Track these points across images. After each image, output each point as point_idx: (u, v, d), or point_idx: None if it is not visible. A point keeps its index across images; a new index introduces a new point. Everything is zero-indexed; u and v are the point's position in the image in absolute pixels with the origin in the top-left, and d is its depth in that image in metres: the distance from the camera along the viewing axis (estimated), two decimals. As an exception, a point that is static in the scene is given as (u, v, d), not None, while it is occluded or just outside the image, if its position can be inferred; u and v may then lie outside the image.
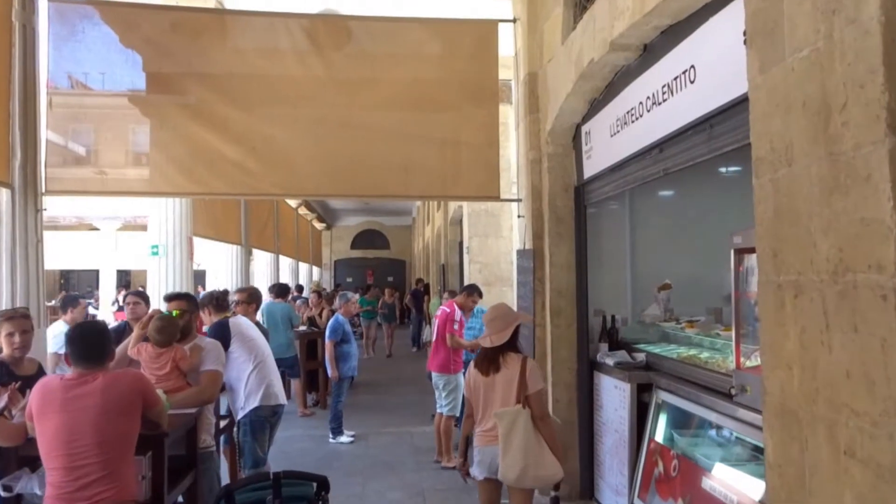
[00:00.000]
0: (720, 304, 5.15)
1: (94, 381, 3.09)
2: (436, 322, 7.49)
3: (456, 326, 7.07)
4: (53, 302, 28.94)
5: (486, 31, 6.05)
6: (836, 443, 1.79)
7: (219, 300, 5.20)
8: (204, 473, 4.11)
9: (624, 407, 4.65)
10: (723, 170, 5.46)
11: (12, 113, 5.05)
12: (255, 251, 16.38)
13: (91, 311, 27.74)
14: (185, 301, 4.44)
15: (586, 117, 5.04)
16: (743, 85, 2.85)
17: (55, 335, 6.70)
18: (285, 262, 20.50)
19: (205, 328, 5.18)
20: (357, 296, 18.05)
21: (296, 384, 10.29)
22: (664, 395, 4.30)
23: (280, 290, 10.60)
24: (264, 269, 17.25)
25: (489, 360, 4.19)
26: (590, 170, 5.05)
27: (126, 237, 23.37)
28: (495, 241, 10.81)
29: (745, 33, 2.48)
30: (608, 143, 4.58)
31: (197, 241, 11.81)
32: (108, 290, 22.96)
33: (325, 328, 9.55)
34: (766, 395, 2.14)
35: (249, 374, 4.90)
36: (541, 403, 4.16)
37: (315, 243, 27.63)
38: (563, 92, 4.84)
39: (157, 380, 4.05)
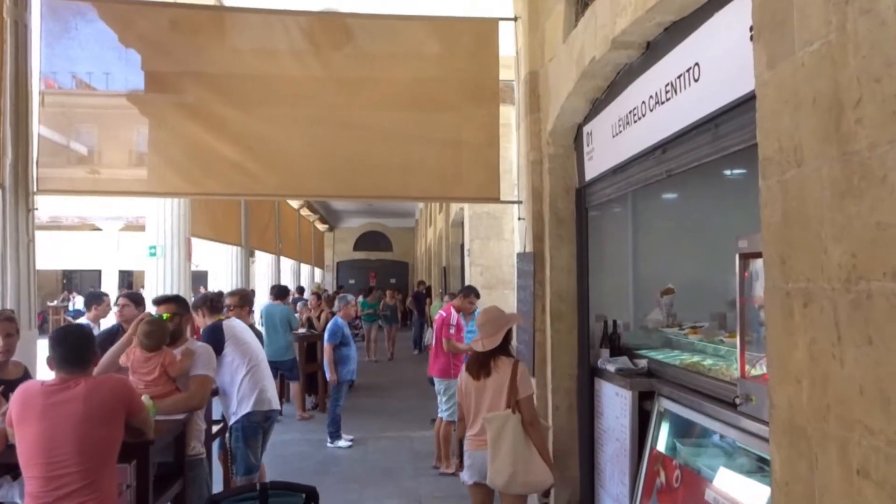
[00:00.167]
0: (724, 310, 5.05)
1: (77, 386, 2.99)
2: (434, 327, 7.40)
3: (452, 331, 6.96)
4: (55, 302, 29.10)
5: (486, 29, 5.94)
6: (849, 462, 1.67)
7: (213, 302, 5.11)
8: (193, 481, 4.01)
9: (625, 415, 4.53)
10: (727, 172, 5.37)
11: (3, 111, 4.98)
12: (257, 252, 16.32)
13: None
14: (175, 304, 4.33)
15: (588, 117, 4.93)
16: (749, 82, 2.73)
17: None
18: (287, 263, 20.43)
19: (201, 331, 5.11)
20: (360, 298, 18.08)
21: (294, 387, 10.20)
22: (666, 403, 4.17)
23: (279, 292, 10.51)
24: (265, 271, 17.19)
25: (480, 364, 4.16)
26: (591, 171, 4.93)
27: (128, 237, 23.33)
28: (497, 244, 10.70)
29: (751, 28, 2.37)
30: (610, 144, 4.47)
31: (198, 241, 11.76)
32: (109, 290, 22.82)
33: (322, 331, 9.45)
34: (772, 409, 2.03)
35: (242, 378, 4.80)
36: (531, 408, 4.11)
37: (317, 245, 27.56)
38: (565, 91, 4.73)
39: (145, 385, 3.96)
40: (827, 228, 1.76)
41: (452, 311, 7.09)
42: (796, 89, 1.90)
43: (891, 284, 1.52)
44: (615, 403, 4.70)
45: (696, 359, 4.29)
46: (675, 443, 4.07)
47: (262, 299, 13.14)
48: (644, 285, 5.45)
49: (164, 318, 4.15)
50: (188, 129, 5.73)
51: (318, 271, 29.95)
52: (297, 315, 11.42)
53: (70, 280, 34.48)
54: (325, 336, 8.69)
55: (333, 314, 9.33)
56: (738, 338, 3.31)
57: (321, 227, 28.95)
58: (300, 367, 10.26)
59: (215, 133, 5.72)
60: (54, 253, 27.49)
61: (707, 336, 4.43)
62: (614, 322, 5.14)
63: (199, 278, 22.83)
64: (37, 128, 5.35)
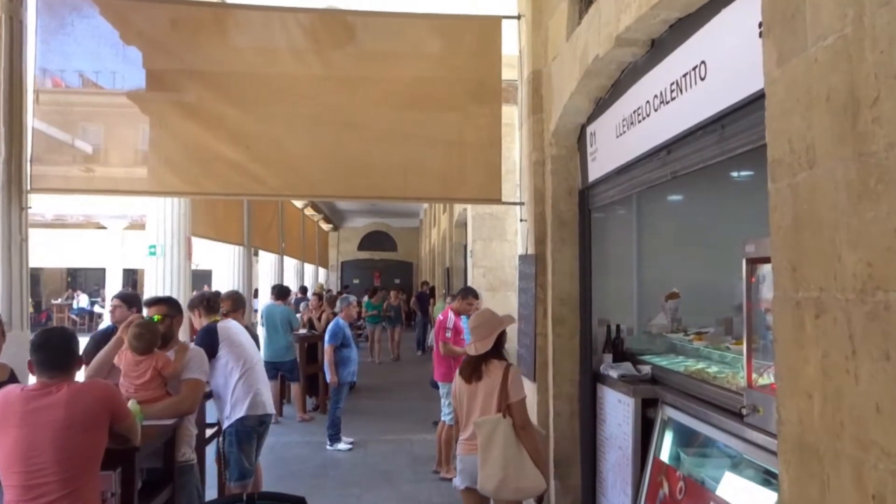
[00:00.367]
0: (730, 315, 4.95)
1: (58, 392, 2.89)
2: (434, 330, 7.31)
3: (449, 334, 6.86)
4: (59, 300, 29.09)
5: (489, 27, 5.83)
6: (864, 486, 1.56)
7: (210, 301, 5.02)
8: (182, 488, 3.90)
9: (628, 422, 4.41)
10: (734, 174, 5.25)
11: (-3, 108, 4.90)
12: (260, 252, 16.22)
13: (97, 309, 27.77)
14: (167, 306, 4.23)
15: (591, 117, 4.82)
16: (758, 81, 2.62)
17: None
18: (290, 263, 20.34)
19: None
20: (364, 298, 17.98)
21: (295, 388, 10.11)
22: (670, 412, 4.06)
23: (280, 292, 10.41)
24: (268, 270, 17.10)
25: (472, 368, 4.11)
26: (595, 172, 4.82)
27: (133, 236, 23.28)
28: (499, 245, 10.58)
29: (760, 24, 2.26)
30: (614, 145, 4.36)
31: (201, 241, 11.66)
32: (114, 288, 22.85)
33: (323, 331, 9.36)
34: (781, 425, 1.92)
35: (237, 381, 4.71)
36: (523, 412, 4.03)
37: (321, 244, 27.44)
38: (568, 90, 4.62)
39: (135, 388, 3.87)
40: (841, 234, 1.65)
41: (450, 314, 6.99)
42: (809, 87, 1.79)
43: (910, 295, 1.41)
44: (618, 410, 4.59)
45: (700, 365, 4.19)
46: (679, 453, 3.97)
47: (265, 299, 13.06)
48: (648, 289, 5.34)
49: (155, 319, 4.05)
50: (186, 128, 5.63)
51: (321, 271, 29.86)
52: (298, 315, 11.33)
53: (75, 278, 34.49)
54: (326, 337, 8.60)
55: (335, 315, 9.23)
56: (744, 345, 3.20)
57: (325, 226, 28.85)
58: (301, 368, 10.17)
59: (214, 132, 5.62)
60: (59, 251, 27.58)
61: (713, 342, 4.32)
62: (617, 327, 5.03)
63: (204, 278, 22.80)
64: (31, 125, 5.26)
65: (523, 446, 3.99)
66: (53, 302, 29.95)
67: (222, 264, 13.25)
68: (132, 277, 28.41)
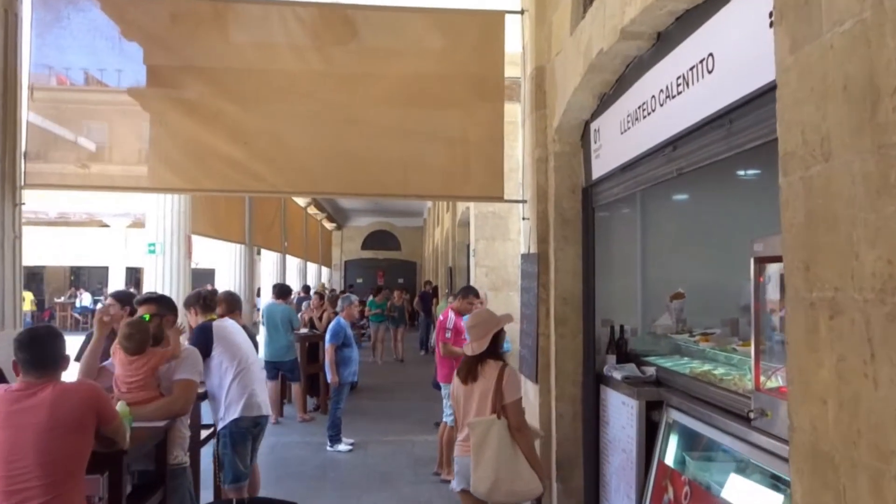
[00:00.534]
0: (736, 316, 4.85)
1: (43, 392, 2.79)
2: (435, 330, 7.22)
3: (449, 335, 6.75)
4: (62, 298, 29.09)
5: (492, 22, 5.74)
6: (883, 497, 1.46)
7: (206, 300, 4.92)
8: (175, 491, 3.81)
9: (631, 425, 4.31)
10: (741, 172, 5.15)
11: (-9, 103, 4.82)
12: (263, 251, 16.16)
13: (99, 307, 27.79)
14: (157, 304, 4.13)
15: (595, 113, 4.72)
16: (767, 74, 2.53)
17: None
18: (293, 262, 20.27)
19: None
20: (370, 297, 17.89)
21: (295, 388, 10.02)
22: (675, 415, 3.96)
23: (281, 291, 10.32)
24: (270, 269, 17.04)
25: (467, 368, 4.06)
26: (599, 170, 4.72)
27: (136, 234, 23.26)
28: (502, 244, 10.47)
29: (771, 14, 2.16)
30: (618, 141, 4.26)
31: (203, 239, 11.60)
32: (117, 287, 22.81)
33: (324, 331, 9.28)
34: (793, 432, 1.82)
35: (231, 382, 4.62)
36: (518, 413, 3.95)
37: (325, 243, 27.40)
38: (571, 86, 4.52)
39: (128, 388, 3.79)
40: (859, 231, 1.55)
41: (450, 314, 6.89)
42: (824, 75, 1.69)
43: (934, 296, 1.32)
44: (621, 413, 4.49)
45: (706, 367, 4.09)
46: (685, 456, 3.87)
47: (267, 298, 12.99)
48: (653, 289, 5.24)
49: (146, 318, 3.96)
50: (184, 124, 5.55)
51: (325, 270, 29.81)
52: (299, 315, 11.24)
53: (78, 276, 34.49)
54: (327, 336, 8.50)
55: (336, 314, 9.14)
56: (752, 347, 3.10)
57: (329, 225, 28.79)
58: (301, 367, 10.08)
59: (211, 128, 5.54)
60: (62, 249, 27.58)
61: (719, 343, 4.22)
62: (621, 327, 4.93)
63: (206, 276, 22.75)
64: (25, 121, 5.18)
65: (519, 448, 3.91)
66: (56, 300, 29.95)
67: (224, 263, 13.18)
68: (135, 276, 28.36)
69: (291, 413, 10.10)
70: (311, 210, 21.92)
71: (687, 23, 3.23)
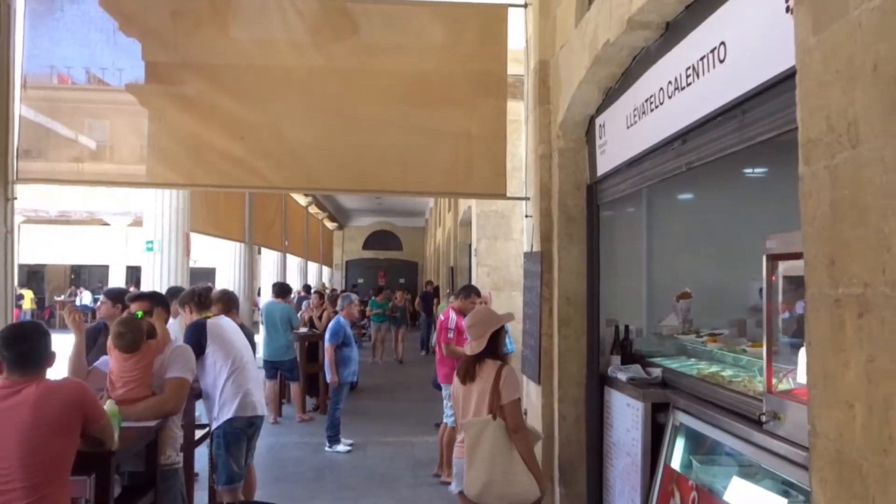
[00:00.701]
0: (744, 316, 4.74)
1: (26, 391, 2.69)
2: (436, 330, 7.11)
3: (451, 335, 6.64)
4: (63, 296, 29.03)
5: (494, 16, 5.62)
6: (918, 511, 1.35)
7: (201, 297, 4.80)
8: (166, 493, 3.71)
9: (637, 427, 4.20)
10: (748, 170, 5.05)
11: (-17, 96, 4.72)
12: (263, 250, 16.06)
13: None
14: (149, 301, 4.02)
15: (601, 108, 4.60)
16: (783, 61, 2.42)
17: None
18: (294, 261, 20.18)
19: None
20: (373, 297, 17.77)
21: (294, 388, 9.92)
22: (682, 417, 3.84)
23: (280, 290, 10.21)
24: (271, 268, 16.95)
25: (465, 368, 3.98)
26: (604, 166, 4.61)
27: (136, 233, 23.18)
28: (504, 244, 10.35)
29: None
30: (624, 136, 4.14)
31: (204, 238, 11.49)
32: (117, 285, 22.70)
33: (324, 330, 9.17)
34: (816, 438, 1.70)
35: (225, 381, 4.50)
36: (515, 414, 3.83)
37: (326, 243, 27.31)
38: (576, 79, 4.40)
39: (124, 384, 3.69)
40: (891, 222, 1.44)
41: (451, 313, 6.77)
42: (851, 56, 1.58)
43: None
44: (626, 415, 4.38)
45: (713, 369, 3.98)
46: (692, 460, 3.76)
47: (267, 297, 12.89)
48: (659, 288, 5.13)
49: (139, 315, 3.85)
50: (181, 119, 5.44)
51: (326, 270, 29.71)
52: (299, 314, 11.14)
53: (78, 275, 34.41)
54: (327, 336, 8.40)
55: (336, 313, 9.03)
56: (764, 348, 2.99)
57: (330, 225, 28.70)
58: (301, 367, 9.98)
59: (208, 123, 5.43)
60: (63, 248, 27.52)
61: (728, 344, 4.10)
62: (626, 327, 4.82)
63: (207, 275, 22.65)
64: (18, 115, 5.07)
65: (516, 450, 3.80)
66: (56, 298, 29.87)
67: (224, 262, 13.09)
68: (136, 274, 28.29)
69: (290, 413, 10.00)
70: (313, 209, 21.83)
71: (697, 11, 3.11)
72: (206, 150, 5.40)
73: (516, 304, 9.28)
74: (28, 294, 28.11)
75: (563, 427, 4.97)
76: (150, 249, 8.80)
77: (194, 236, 9.83)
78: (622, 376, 4.43)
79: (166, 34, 5.50)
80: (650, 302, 5.16)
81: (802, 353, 2.86)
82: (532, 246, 5.47)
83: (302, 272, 21.84)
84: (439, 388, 7.13)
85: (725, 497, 3.28)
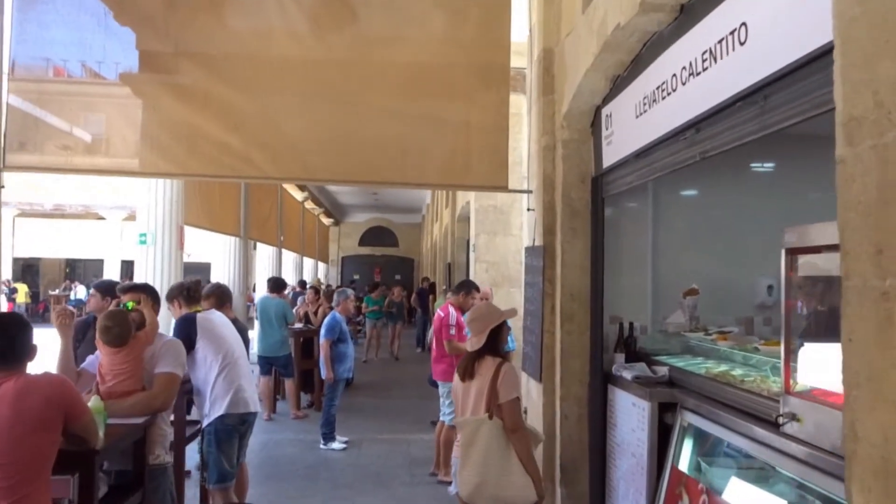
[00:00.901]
0: (751, 314, 4.62)
1: (5, 386, 2.53)
2: (433, 328, 6.96)
3: (452, 331, 6.50)
4: (57, 291, 28.86)
5: (497, 4, 5.44)
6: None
7: (190, 291, 4.65)
8: (154, 492, 3.56)
9: (642, 428, 4.06)
10: (756, 165, 4.92)
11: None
12: (259, 244, 15.91)
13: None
14: (141, 293, 3.86)
15: (607, 98, 4.46)
16: (809, 43, 2.29)
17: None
18: (289, 256, 20.02)
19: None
20: (366, 294, 17.62)
21: (289, 384, 9.77)
22: (690, 418, 3.71)
23: (276, 285, 10.05)
24: (266, 264, 16.80)
25: (465, 365, 3.85)
26: (610, 157, 4.46)
27: (131, 227, 23.03)
28: (503, 240, 10.21)
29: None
30: (633, 126, 4.00)
31: (200, 232, 11.33)
32: (113, 279, 22.51)
33: (319, 326, 9.02)
34: (856, 443, 1.56)
35: (216, 377, 4.35)
36: (513, 414, 3.68)
37: (322, 238, 27.15)
38: (583, 67, 4.25)
39: (114, 377, 3.54)
40: (951, 205, 1.30)
41: (451, 310, 6.63)
42: (903, 24, 1.44)
43: None
44: (631, 415, 4.24)
45: (722, 368, 3.84)
46: (700, 462, 3.62)
47: (262, 293, 12.74)
48: (664, 285, 4.99)
49: (129, 307, 3.70)
50: (174, 108, 5.28)
51: (321, 265, 29.56)
52: (295, 310, 11.00)
53: (73, 269, 34.20)
54: (322, 331, 8.26)
55: (332, 309, 8.88)
56: (782, 346, 2.85)
57: (326, 220, 28.54)
58: (295, 363, 9.82)
59: (202, 112, 5.26)
60: (58, 241, 27.35)
61: (739, 343, 3.96)
62: (630, 324, 4.68)
63: (202, 270, 22.46)
64: (5, 102, 4.90)
65: (513, 452, 3.66)
66: (51, 293, 29.69)
67: (219, 256, 12.94)
68: (130, 269, 28.10)
69: (284, 409, 9.85)
70: (309, 205, 21.66)
71: (715, -9, 2.97)
72: (200, 139, 5.24)
73: (515, 301, 9.15)
74: (22, 288, 27.92)
75: (566, 426, 4.83)
76: (143, 242, 8.63)
77: (189, 230, 9.67)
78: (627, 375, 4.29)
79: (161, 23, 5.34)
80: (655, 298, 5.02)
81: (812, 350, 2.73)
82: (534, 240, 5.33)
83: (297, 268, 21.69)
84: (435, 385, 7.00)
85: (737, 501, 3.14)
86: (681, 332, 4.66)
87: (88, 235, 26.65)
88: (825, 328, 2.65)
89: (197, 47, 5.36)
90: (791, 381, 2.80)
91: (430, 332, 9.88)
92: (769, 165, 5.02)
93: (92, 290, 4.93)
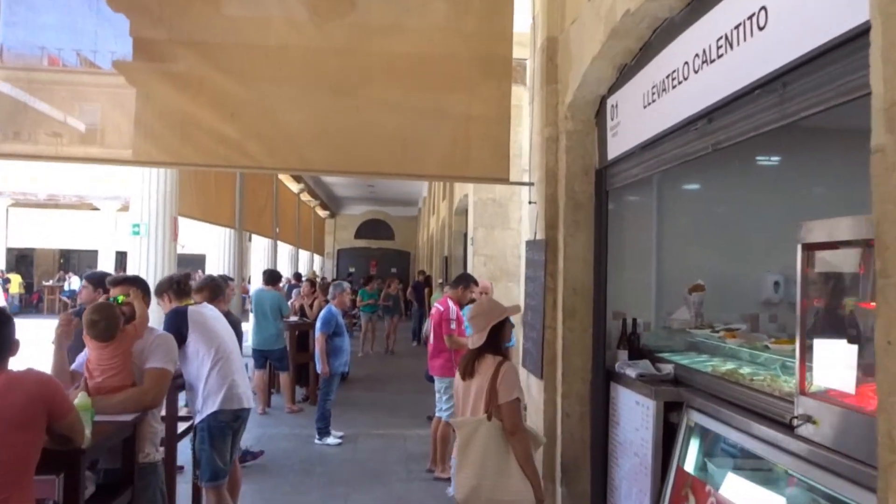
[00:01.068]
0: (756, 310, 4.52)
1: (-15, 382, 2.41)
2: (430, 322, 6.84)
3: (453, 326, 6.39)
4: (51, 281, 28.68)
5: (500, -9, 5.33)
6: None
7: (180, 285, 4.51)
8: (144, 490, 3.44)
9: (647, 427, 3.96)
10: (761, 159, 4.82)
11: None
12: (254, 236, 15.78)
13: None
14: (132, 286, 3.73)
15: (613, 87, 4.34)
16: (834, 27, 2.17)
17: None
18: (284, 248, 19.90)
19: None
20: (360, 288, 17.51)
21: (284, 378, 9.65)
22: (697, 417, 3.60)
23: (271, 277, 9.92)
24: (261, 256, 16.68)
25: (465, 363, 3.73)
26: (615, 149, 4.34)
27: (125, 218, 22.84)
28: (502, 233, 10.10)
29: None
30: (640, 116, 3.88)
31: (195, 224, 11.19)
32: (107, 270, 22.36)
33: (315, 319, 8.91)
34: (893, 453, 1.46)
35: (209, 372, 4.23)
36: (513, 416, 3.54)
37: (317, 231, 27.02)
38: (589, 56, 4.13)
39: (102, 373, 3.42)
40: None
41: (450, 304, 6.52)
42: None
43: None
44: (635, 413, 4.14)
45: (729, 366, 3.75)
46: (707, 463, 3.52)
47: (257, 285, 12.62)
48: (668, 280, 4.88)
49: (119, 300, 3.57)
50: (167, 95, 5.14)
51: (317, 258, 29.45)
52: (290, 302, 10.88)
53: (68, 260, 33.97)
54: (318, 325, 8.14)
55: (327, 302, 8.77)
56: (797, 345, 2.74)
57: (322, 213, 28.40)
58: (290, 356, 9.71)
59: (196, 100, 5.13)
60: (52, 231, 27.15)
61: (749, 341, 3.85)
62: (634, 321, 4.58)
63: (197, 262, 22.34)
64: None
65: (512, 454, 3.53)
66: (45, 283, 29.49)
67: (213, 248, 12.81)
68: (125, 260, 27.92)
69: (279, 403, 9.75)
70: (305, 196, 21.53)
71: (731, -25, 2.85)
72: (194, 128, 5.11)
73: (513, 295, 9.07)
74: (16, 278, 27.70)
75: (567, 424, 4.73)
76: (137, 233, 8.51)
77: (183, 221, 9.55)
78: (631, 372, 4.18)
79: (155, 9, 5.20)
80: (659, 294, 4.92)
81: (828, 350, 2.62)
82: (535, 234, 5.21)
83: (293, 260, 21.58)
84: (432, 380, 6.89)
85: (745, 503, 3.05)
86: (685, 329, 4.56)
87: (83, 226, 26.48)
88: (839, 327, 2.55)
89: (192, 34, 5.24)
90: (806, 382, 2.70)
91: (426, 326, 9.79)
92: (775, 159, 4.91)
93: (83, 282, 4.80)
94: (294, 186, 18.92)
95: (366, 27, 5.43)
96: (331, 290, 8.80)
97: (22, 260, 31.63)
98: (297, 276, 17.26)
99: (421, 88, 5.34)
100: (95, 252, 24.96)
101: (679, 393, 3.80)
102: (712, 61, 2.96)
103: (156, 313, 4.35)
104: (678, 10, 3.31)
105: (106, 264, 22.68)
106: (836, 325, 2.59)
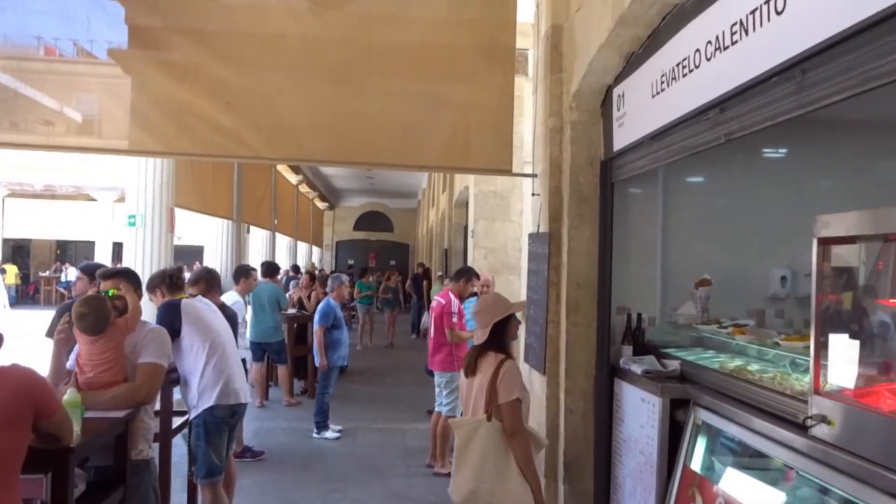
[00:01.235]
0: (762, 305, 4.44)
1: (-32, 378, 2.32)
2: (431, 315, 6.75)
3: (455, 319, 6.30)
4: (48, 272, 28.57)
5: (503, -20, 5.22)
6: None
7: (172, 279, 4.40)
8: (136, 488, 3.35)
9: (652, 425, 3.87)
10: (768, 151, 4.72)
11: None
12: (252, 228, 15.68)
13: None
14: (124, 279, 3.63)
15: (620, 77, 4.23)
16: (857, 12, 2.08)
17: (234, 302, 6.90)
18: (283, 240, 19.82)
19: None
20: (357, 280, 17.42)
21: (282, 371, 9.58)
22: (705, 416, 3.51)
23: (268, 269, 9.82)
24: (259, 247, 16.59)
25: (468, 360, 3.63)
26: (622, 140, 4.24)
27: (122, 208, 22.72)
28: (503, 225, 10.00)
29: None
30: (647, 106, 3.77)
31: (191, 215, 11.09)
32: (103, 261, 22.24)
33: (313, 312, 8.82)
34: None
35: (204, 366, 4.13)
36: (513, 417, 3.42)
37: (316, 223, 26.93)
38: (595, 44, 4.02)
39: (93, 368, 3.33)
40: None
41: (452, 297, 6.43)
42: None
43: None
44: (640, 410, 4.05)
45: (737, 362, 3.67)
46: (715, 463, 3.43)
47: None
48: (673, 274, 4.78)
49: (111, 293, 3.47)
50: (163, 84, 5.04)
51: (315, 250, 29.36)
52: (288, 295, 10.79)
53: (64, 251, 33.86)
54: (316, 318, 8.05)
55: (326, 294, 8.68)
56: (812, 342, 2.65)
57: (321, 204, 28.31)
58: (288, 349, 9.63)
59: (193, 89, 5.02)
60: (48, 222, 27.03)
61: (759, 337, 3.76)
62: (639, 315, 4.48)
63: (195, 254, 22.23)
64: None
65: (512, 457, 3.42)
66: (41, 274, 29.40)
67: (211, 239, 12.72)
68: (121, 250, 27.81)
69: (277, 396, 9.67)
70: (303, 188, 21.43)
71: (747, -42, 2.74)
72: (190, 117, 5.01)
73: (514, 289, 8.97)
74: (12, 269, 27.59)
75: (570, 421, 4.65)
76: (133, 224, 8.41)
77: (180, 212, 9.45)
78: (636, 368, 4.09)
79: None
80: (664, 288, 4.82)
81: (843, 347, 2.54)
82: (538, 226, 5.11)
83: (291, 252, 21.50)
84: (431, 374, 6.81)
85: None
86: (692, 325, 4.47)
87: (79, 217, 26.37)
88: (855, 325, 2.46)
89: (188, 22, 5.13)
90: (821, 380, 2.61)
91: (426, 319, 9.70)
92: (783, 151, 4.82)
93: (78, 274, 4.70)
94: (292, 178, 18.83)
95: (366, 15, 5.32)
96: (329, 282, 8.71)
97: (18, 251, 31.52)
98: (296, 268, 17.16)
99: (421, 78, 5.23)
100: (92, 243, 24.87)
101: (686, 390, 3.71)
102: (726, 48, 2.86)
103: (148, 307, 4.25)
104: (690, -4, 3.20)
105: (103, 255, 22.57)
106: (852, 322, 2.50)
